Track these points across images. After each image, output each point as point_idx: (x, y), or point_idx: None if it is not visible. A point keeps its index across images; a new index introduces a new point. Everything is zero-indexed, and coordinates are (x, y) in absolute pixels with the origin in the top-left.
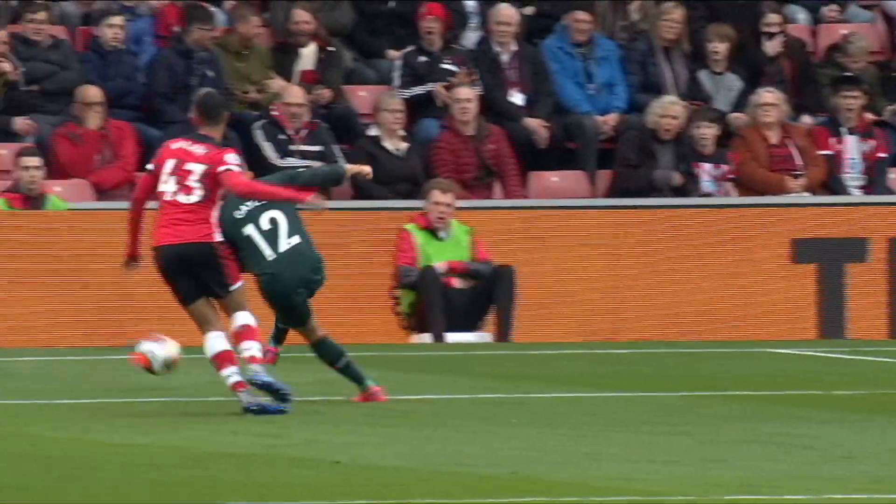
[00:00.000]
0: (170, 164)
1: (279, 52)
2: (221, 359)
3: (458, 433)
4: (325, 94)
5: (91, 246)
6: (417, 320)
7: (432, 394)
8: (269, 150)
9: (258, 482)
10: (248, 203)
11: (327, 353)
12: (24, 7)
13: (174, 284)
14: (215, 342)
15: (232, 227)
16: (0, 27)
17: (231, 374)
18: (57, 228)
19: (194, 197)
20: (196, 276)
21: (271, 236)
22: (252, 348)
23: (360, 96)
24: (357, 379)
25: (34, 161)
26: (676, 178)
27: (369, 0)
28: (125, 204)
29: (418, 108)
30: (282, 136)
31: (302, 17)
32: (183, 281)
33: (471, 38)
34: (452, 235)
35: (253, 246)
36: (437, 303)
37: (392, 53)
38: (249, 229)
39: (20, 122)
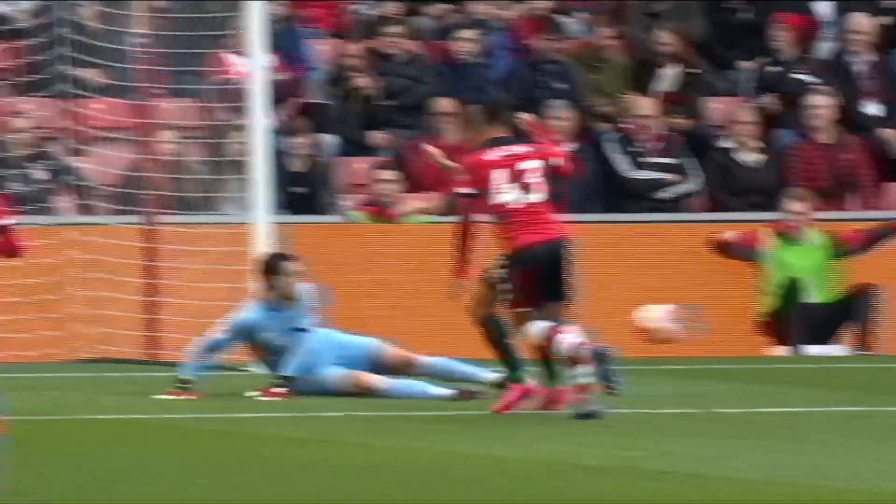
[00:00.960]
0: (500, 175)
1: (638, 69)
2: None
3: (814, 446)
4: (683, 122)
5: (446, 258)
6: (773, 331)
7: (789, 406)
8: (621, 162)
9: (613, 494)
10: None
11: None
12: (380, 22)
13: (541, 283)
14: (574, 334)
15: None
16: (356, 42)
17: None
18: (414, 241)
19: (542, 193)
20: (558, 274)
21: None
22: (583, 374)
23: (713, 108)
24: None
25: (390, 174)
26: None
27: (722, 11)
28: (482, 217)
29: (774, 119)
30: (633, 149)
31: (665, 38)
32: (549, 280)
33: (825, 48)
34: (809, 243)
35: None
36: (797, 315)
37: (744, 64)
38: None
39: (377, 136)
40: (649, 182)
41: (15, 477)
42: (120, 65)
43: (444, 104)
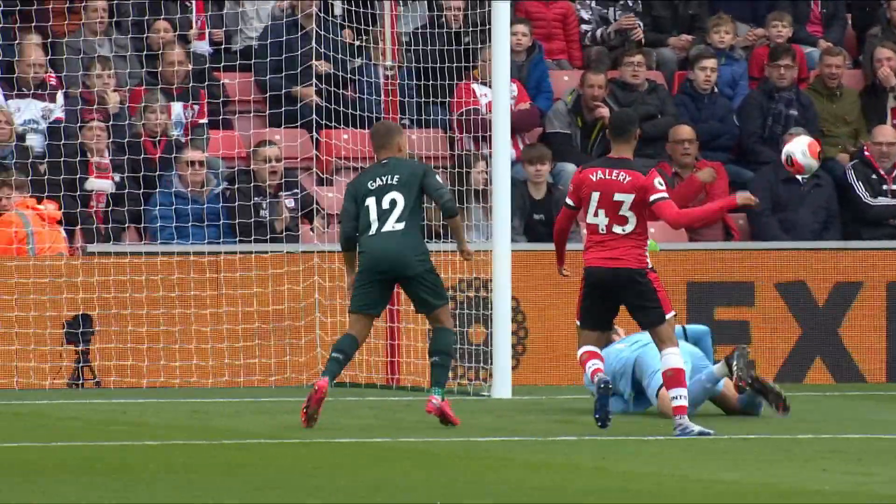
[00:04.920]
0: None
1: (870, 95)
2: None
3: None
4: None
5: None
6: None
7: None
8: (860, 189)
9: None
10: (380, 180)
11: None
12: (622, 53)
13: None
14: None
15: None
16: (599, 72)
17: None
18: None
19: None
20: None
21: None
22: (682, 396)
23: None
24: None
25: None
26: None
27: None
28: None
29: None
30: (873, 176)
31: (884, 53)
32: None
33: None
34: None
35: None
36: None
37: None
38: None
39: None
40: None
41: None
42: None
43: (681, 130)
